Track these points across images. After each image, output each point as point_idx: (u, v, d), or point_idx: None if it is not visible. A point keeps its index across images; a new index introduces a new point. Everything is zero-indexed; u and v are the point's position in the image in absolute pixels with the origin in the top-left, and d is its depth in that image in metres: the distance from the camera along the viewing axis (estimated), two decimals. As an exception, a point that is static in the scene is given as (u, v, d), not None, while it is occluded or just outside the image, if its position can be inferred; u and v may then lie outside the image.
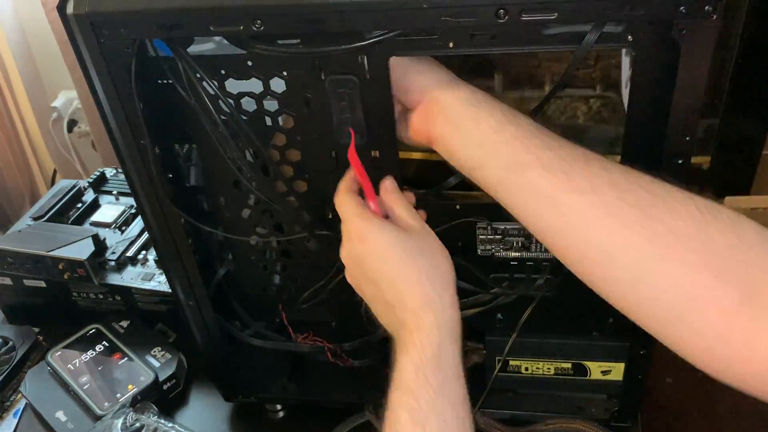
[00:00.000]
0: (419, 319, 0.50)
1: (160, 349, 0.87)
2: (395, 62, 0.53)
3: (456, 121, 0.51)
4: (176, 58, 0.55)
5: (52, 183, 1.51)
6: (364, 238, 0.53)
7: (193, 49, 0.57)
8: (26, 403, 0.85)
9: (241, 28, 0.50)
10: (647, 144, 0.55)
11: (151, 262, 0.93)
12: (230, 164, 0.60)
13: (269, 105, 0.59)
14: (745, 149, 0.83)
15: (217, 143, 0.59)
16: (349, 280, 0.57)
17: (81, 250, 0.89)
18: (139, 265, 0.93)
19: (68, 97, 1.47)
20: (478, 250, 0.65)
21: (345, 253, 0.55)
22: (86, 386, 0.82)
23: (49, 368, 0.85)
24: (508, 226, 0.63)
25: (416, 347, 0.49)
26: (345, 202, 0.56)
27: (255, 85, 0.58)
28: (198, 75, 0.55)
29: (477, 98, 0.51)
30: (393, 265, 0.52)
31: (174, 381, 0.84)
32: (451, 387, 0.49)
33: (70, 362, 0.85)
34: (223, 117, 0.57)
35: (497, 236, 0.64)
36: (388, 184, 0.57)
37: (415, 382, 0.48)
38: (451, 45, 0.52)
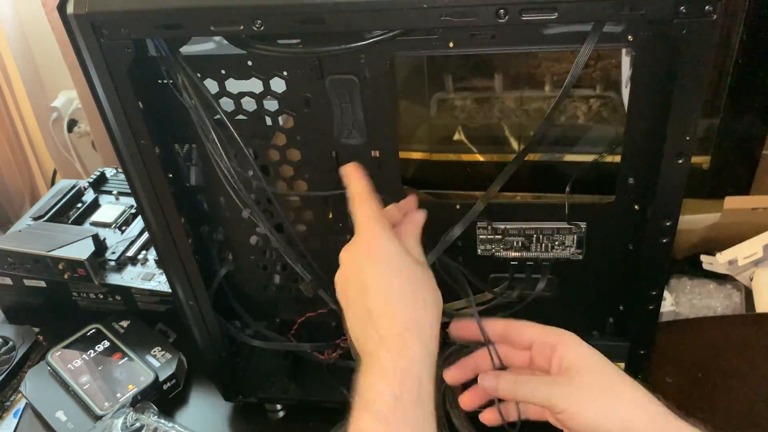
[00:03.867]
0: (404, 342, 0.47)
1: (160, 349, 0.87)
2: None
3: None
4: (171, 58, 0.55)
5: (52, 183, 1.51)
6: (373, 242, 0.51)
7: (194, 48, 0.57)
8: (26, 403, 0.84)
9: (241, 28, 0.50)
10: (647, 144, 0.55)
11: (151, 262, 0.93)
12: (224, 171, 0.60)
13: (269, 105, 0.59)
14: (745, 149, 0.83)
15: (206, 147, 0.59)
16: (337, 279, 0.53)
17: (81, 250, 0.89)
18: (139, 265, 0.93)
19: (68, 97, 1.47)
20: (478, 250, 0.65)
21: (347, 253, 0.53)
22: (86, 386, 0.82)
23: (49, 368, 0.85)
24: (508, 226, 0.63)
25: (396, 374, 0.46)
26: (366, 203, 0.53)
27: (255, 85, 0.58)
28: (192, 76, 0.55)
29: None
30: (393, 277, 0.50)
31: (174, 381, 0.84)
32: (428, 427, 0.46)
33: (70, 362, 0.85)
34: (216, 117, 0.57)
35: (497, 236, 0.64)
36: (417, 217, 0.56)
37: (392, 413, 0.45)
38: (451, 45, 0.52)
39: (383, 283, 0.50)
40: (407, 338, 0.47)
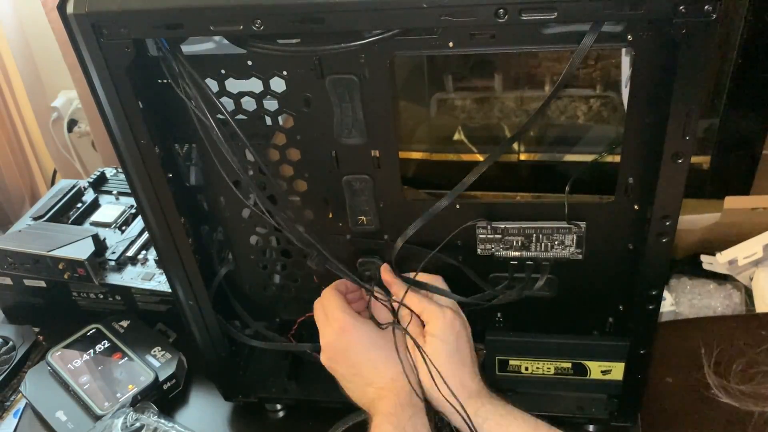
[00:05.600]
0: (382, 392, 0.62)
1: (160, 349, 0.87)
2: None
3: None
4: (170, 57, 0.55)
5: (52, 183, 1.51)
6: (345, 330, 0.64)
7: (194, 48, 0.57)
8: (26, 403, 0.85)
9: (241, 27, 0.50)
10: (647, 144, 0.55)
11: (151, 262, 0.93)
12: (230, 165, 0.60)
13: (269, 105, 0.59)
14: (745, 149, 0.83)
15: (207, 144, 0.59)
16: (324, 361, 0.66)
17: (81, 250, 0.89)
18: (139, 265, 0.93)
19: (68, 97, 1.47)
20: (478, 250, 0.65)
21: (326, 341, 0.65)
22: (86, 386, 0.82)
23: (49, 368, 0.85)
24: (508, 226, 0.63)
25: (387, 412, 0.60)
26: (332, 297, 0.66)
27: (255, 85, 0.58)
28: (191, 74, 0.55)
29: None
30: (365, 354, 0.64)
31: (174, 381, 0.84)
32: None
33: (70, 362, 0.85)
34: (221, 116, 0.57)
35: (497, 236, 0.64)
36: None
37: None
38: (451, 45, 0.52)
39: (361, 358, 0.65)
40: (384, 390, 0.63)
